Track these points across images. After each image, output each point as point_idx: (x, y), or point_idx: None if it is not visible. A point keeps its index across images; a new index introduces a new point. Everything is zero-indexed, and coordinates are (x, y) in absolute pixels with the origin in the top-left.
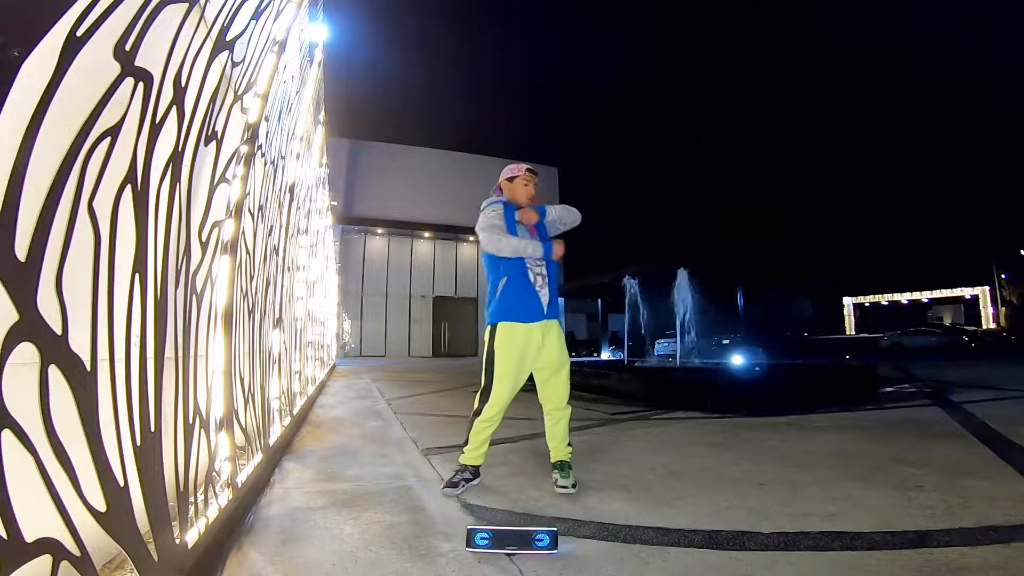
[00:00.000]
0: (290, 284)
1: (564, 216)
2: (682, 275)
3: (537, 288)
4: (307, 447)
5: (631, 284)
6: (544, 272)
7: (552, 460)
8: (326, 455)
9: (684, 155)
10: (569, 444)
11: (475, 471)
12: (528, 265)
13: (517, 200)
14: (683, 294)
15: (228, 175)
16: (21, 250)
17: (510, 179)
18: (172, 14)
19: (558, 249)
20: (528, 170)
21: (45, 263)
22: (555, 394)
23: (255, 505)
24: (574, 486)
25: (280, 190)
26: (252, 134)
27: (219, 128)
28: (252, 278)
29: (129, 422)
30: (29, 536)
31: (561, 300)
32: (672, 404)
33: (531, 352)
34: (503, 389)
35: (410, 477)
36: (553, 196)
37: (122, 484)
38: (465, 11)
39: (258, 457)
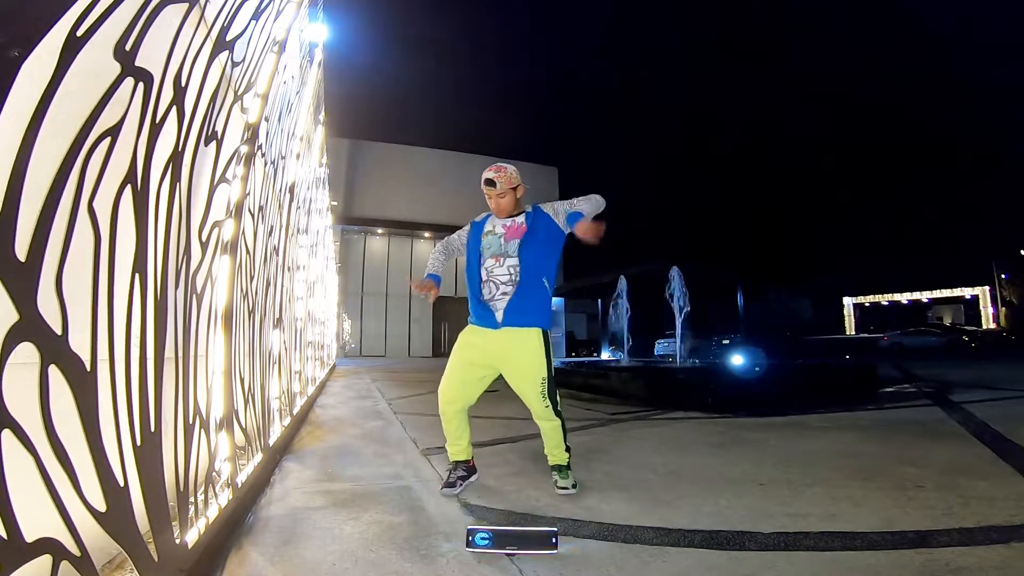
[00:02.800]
0: (290, 284)
1: (590, 209)
2: (678, 275)
3: (492, 301)
4: (307, 447)
5: (625, 285)
6: (510, 282)
7: (549, 464)
8: (326, 455)
9: (684, 155)
10: (568, 450)
11: (468, 467)
12: (484, 279)
13: (507, 213)
14: (681, 294)
15: (228, 175)
16: (21, 250)
17: (491, 200)
18: (172, 14)
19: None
20: (485, 182)
21: (45, 263)
22: (529, 407)
23: (255, 505)
24: (574, 486)
25: (280, 190)
26: (252, 134)
27: (219, 128)
28: (252, 278)
29: (129, 422)
30: (29, 536)
31: (559, 301)
32: (672, 404)
33: (488, 353)
34: (446, 382)
35: (410, 477)
36: (553, 196)
37: (122, 484)
38: (465, 11)
39: (258, 457)
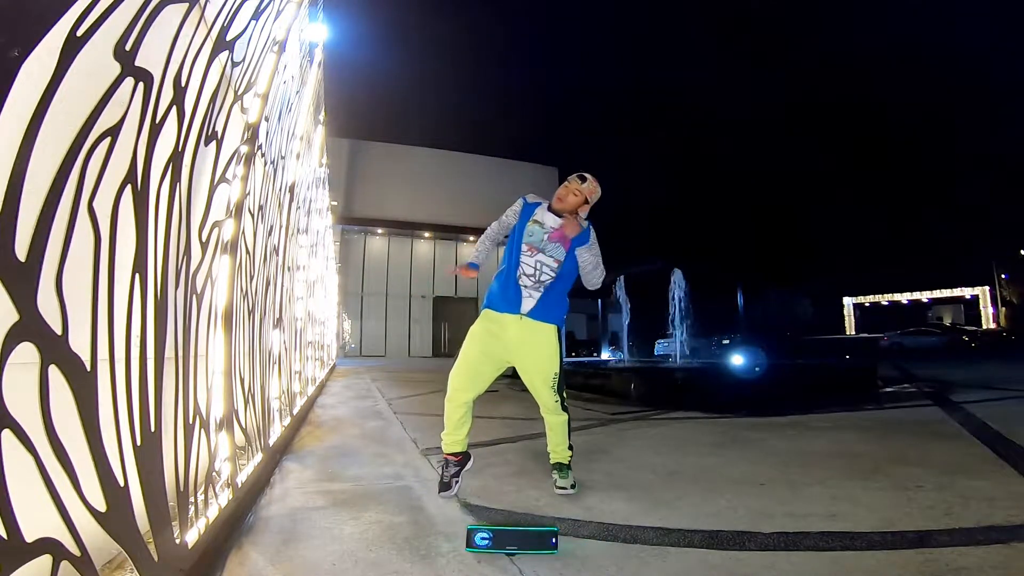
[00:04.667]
0: (290, 284)
1: (591, 268)
2: (677, 275)
3: (523, 285)
4: (307, 447)
5: (623, 285)
6: (543, 279)
7: (551, 462)
8: (326, 455)
9: (684, 155)
10: (570, 448)
11: (459, 461)
12: (522, 264)
13: (563, 208)
14: (681, 294)
15: (228, 175)
16: (21, 250)
17: (566, 189)
18: (172, 14)
19: (568, 228)
20: (578, 176)
21: (45, 263)
22: (538, 400)
23: (255, 505)
24: (573, 486)
25: (280, 190)
26: (252, 134)
27: (219, 128)
28: (252, 278)
29: (129, 422)
30: (29, 536)
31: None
32: (672, 404)
33: (502, 343)
34: (458, 369)
35: (410, 477)
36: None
37: (122, 484)
38: (465, 11)
39: (258, 457)
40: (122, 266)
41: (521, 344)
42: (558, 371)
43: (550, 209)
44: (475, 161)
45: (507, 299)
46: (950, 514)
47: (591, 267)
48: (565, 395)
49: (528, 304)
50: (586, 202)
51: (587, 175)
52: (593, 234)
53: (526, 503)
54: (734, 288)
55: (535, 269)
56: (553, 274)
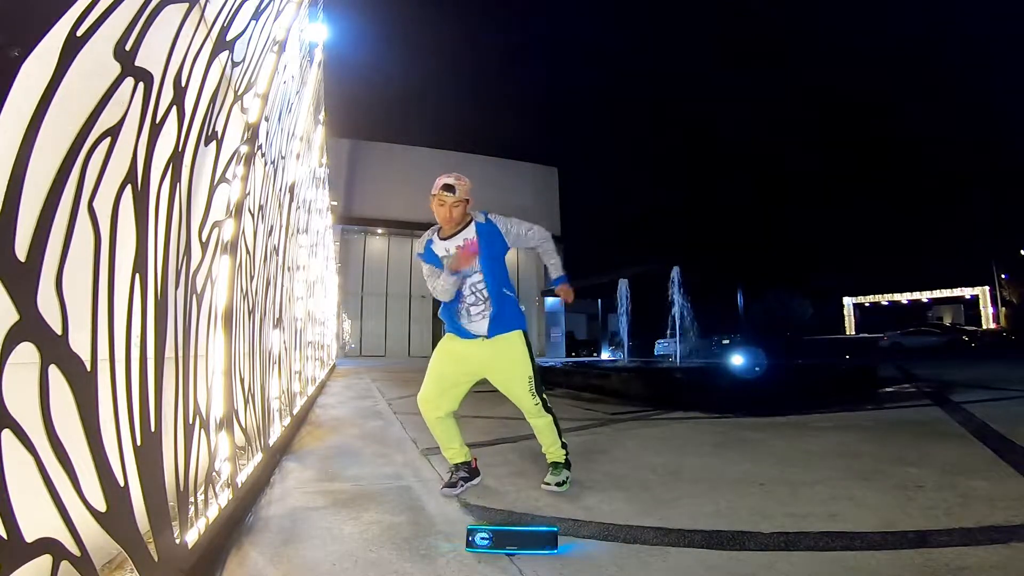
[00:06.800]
0: (290, 284)
1: (526, 236)
2: (677, 275)
3: (470, 319)
4: (307, 447)
5: (624, 286)
6: (479, 301)
7: (548, 462)
8: (326, 455)
9: (685, 155)
10: (563, 447)
11: (470, 469)
12: (463, 298)
13: (439, 221)
14: (680, 293)
15: (228, 175)
16: (21, 250)
17: (443, 207)
18: (172, 14)
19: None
20: (443, 187)
21: (45, 263)
22: (520, 406)
23: (255, 505)
24: (560, 484)
25: (280, 190)
26: (252, 134)
27: (219, 128)
28: (252, 278)
29: (129, 422)
30: (29, 536)
31: (559, 301)
32: (672, 404)
33: (471, 363)
34: (427, 389)
35: (410, 477)
36: (553, 196)
37: (122, 484)
38: (465, 11)
39: (258, 457)
40: (122, 266)
41: (492, 360)
42: (532, 373)
43: (441, 236)
44: (475, 161)
45: (462, 330)
46: (950, 514)
47: (559, 260)
48: (545, 396)
49: (483, 326)
50: (465, 202)
51: (450, 182)
52: (501, 222)
53: (526, 503)
54: (734, 288)
55: (474, 292)
56: (483, 280)
